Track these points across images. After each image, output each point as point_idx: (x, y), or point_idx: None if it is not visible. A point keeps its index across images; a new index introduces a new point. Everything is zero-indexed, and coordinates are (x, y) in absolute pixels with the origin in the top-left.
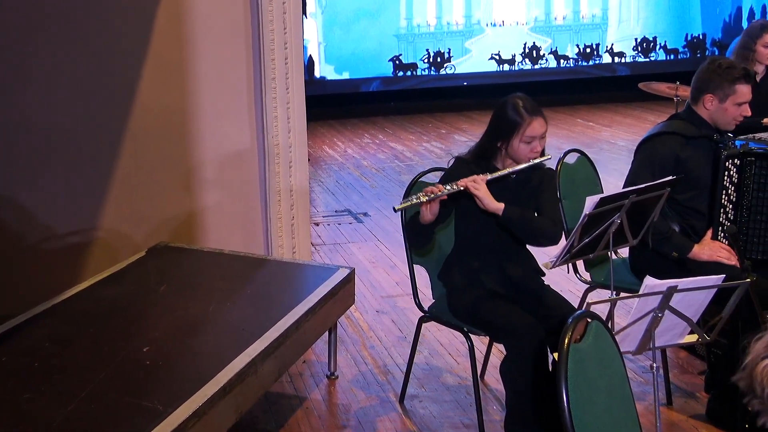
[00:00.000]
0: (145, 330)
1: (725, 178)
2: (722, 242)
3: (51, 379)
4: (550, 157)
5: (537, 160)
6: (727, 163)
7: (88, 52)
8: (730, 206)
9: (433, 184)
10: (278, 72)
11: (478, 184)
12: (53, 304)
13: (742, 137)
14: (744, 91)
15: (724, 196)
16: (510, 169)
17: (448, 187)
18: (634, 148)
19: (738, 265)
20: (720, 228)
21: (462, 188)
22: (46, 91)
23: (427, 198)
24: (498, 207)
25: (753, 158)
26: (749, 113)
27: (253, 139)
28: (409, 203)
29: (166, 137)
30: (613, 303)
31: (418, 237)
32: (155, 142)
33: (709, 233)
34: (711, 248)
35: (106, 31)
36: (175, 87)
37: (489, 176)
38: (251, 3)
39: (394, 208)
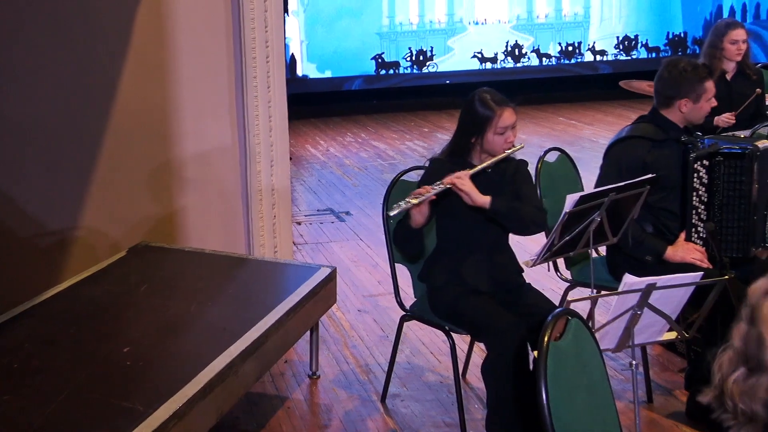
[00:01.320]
0: (125, 330)
1: (695, 179)
2: (696, 243)
3: (30, 379)
4: (522, 146)
5: (511, 150)
6: (696, 165)
7: (68, 50)
8: (702, 207)
9: (417, 186)
10: (259, 70)
11: (463, 180)
12: (33, 304)
13: (711, 136)
14: (711, 85)
15: (695, 198)
16: (489, 162)
17: (435, 187)
18: None
19: (711, 266)
20: (693, 229)
21: (448, 186)
22: (25, 88)
23: (417, 200)
24: (485, 201)
25: (721, 158)
26: (716, 104)
27: (235, 138)
28: (400, 208)
29: (147, 136)
30: (593, 301)
31: (408, 244)
32: (136, 140)
33: (683, 235)
34: (684, 250)
35: (87, 29)
36: (156, 85)
37: (471, 171)
38: (232, 1)
39: (388, 216)
